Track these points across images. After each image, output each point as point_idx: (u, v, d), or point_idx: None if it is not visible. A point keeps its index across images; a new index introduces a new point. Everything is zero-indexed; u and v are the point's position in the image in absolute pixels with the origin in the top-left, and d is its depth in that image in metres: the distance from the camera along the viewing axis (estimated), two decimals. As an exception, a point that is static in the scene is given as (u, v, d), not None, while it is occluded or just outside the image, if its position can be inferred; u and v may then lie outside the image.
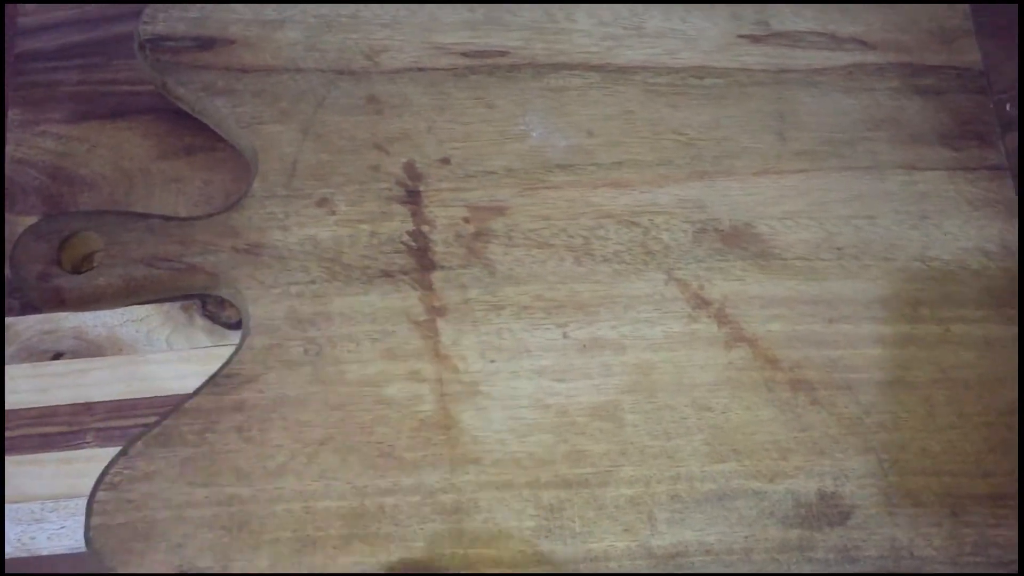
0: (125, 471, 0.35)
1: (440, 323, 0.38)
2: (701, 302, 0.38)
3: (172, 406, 0.38)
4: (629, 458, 0.36)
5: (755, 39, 0.43)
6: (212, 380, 0.37)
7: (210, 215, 0.40)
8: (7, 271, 0.40)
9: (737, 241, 0.39)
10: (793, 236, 0.39)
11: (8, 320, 0.40)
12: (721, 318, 0.38)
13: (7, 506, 0.37)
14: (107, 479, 0.35)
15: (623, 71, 0.42)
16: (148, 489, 0.35)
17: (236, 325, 0.40)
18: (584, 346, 0.38)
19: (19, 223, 0.42)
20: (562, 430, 0.36)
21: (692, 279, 0.39)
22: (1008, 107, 0.42)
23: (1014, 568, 0.35)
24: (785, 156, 0.41)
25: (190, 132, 0.43)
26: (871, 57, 0.42)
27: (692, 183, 0.40)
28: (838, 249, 0.39)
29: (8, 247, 0.41)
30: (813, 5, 0.43)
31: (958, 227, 0.40)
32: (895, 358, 0.37)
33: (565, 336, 0.38)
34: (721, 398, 0.37)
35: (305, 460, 0.36)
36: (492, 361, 0.37)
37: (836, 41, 0.43)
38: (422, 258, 0.39)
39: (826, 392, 0.37)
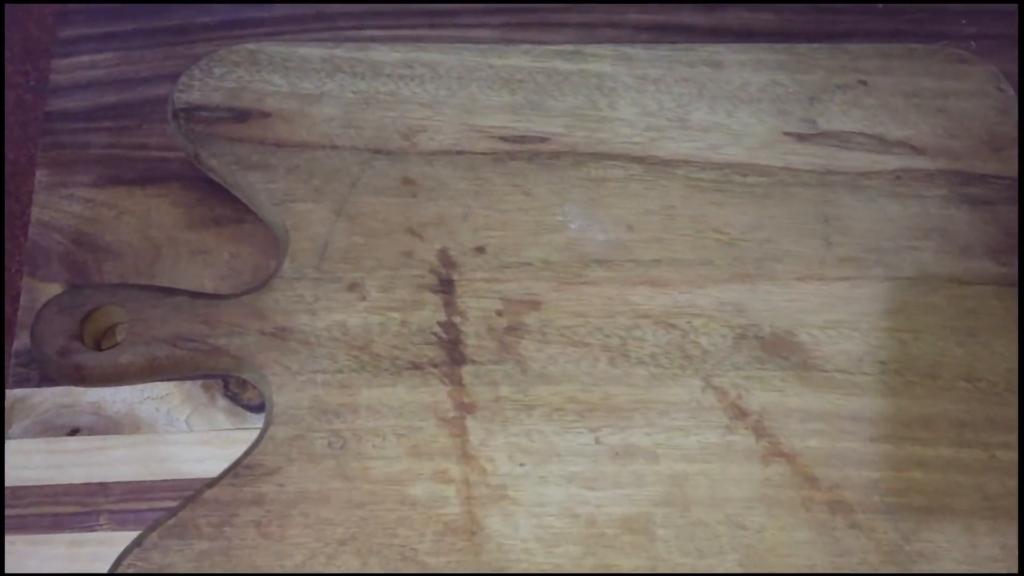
0: (139, 563, 0.34)
1: (469, 421, 0.37)
2: (739, 412, 0.37)
3: (189, 491, 0.37)
4: (659, 576, 0.35)
5: (801, 137, 0.42)
6: (232, 470, 0.36)
7: (238, 295, 0.39)
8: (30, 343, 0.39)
9: (777, 349, 0.38)
10: (835, 347, 0.38)
11: (25, 392, 0.39)
12: (759, 430, 0.37)
13: (14, 589, 0.36)
14: (120, 570, 0.34)
15: (666, 164, 0.41)
16: (162, 584, 0.34)
17: (258, 407, 0.39)
18: (616, 453, 0.36)
19: (41, 289, 0.41)
20: (591, 542, 0.35)
21: (730, 387, 0.38)
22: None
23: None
24: (829, 262, 0.40)
25: (220, 203, 0.42)
26: (920, 162, 0.41)
27: (733, 285, 0.39)
28: (881, 363, 0.38)
29: (27, 316, 0.40)
30: (862, 107, 0.42)
31: (1005, 346, 0.39)
32: (937, 483, 0.36)
33: (597, 441, 0.37)
34: (756, 516, 0.35)
35: (325, 560, 0.35)
36: (521, 464, 0.36)
37: (885, 144, 0.42)
38: (453, 351, 0.38)
39: (865, 515, 0.36)
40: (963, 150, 0.42)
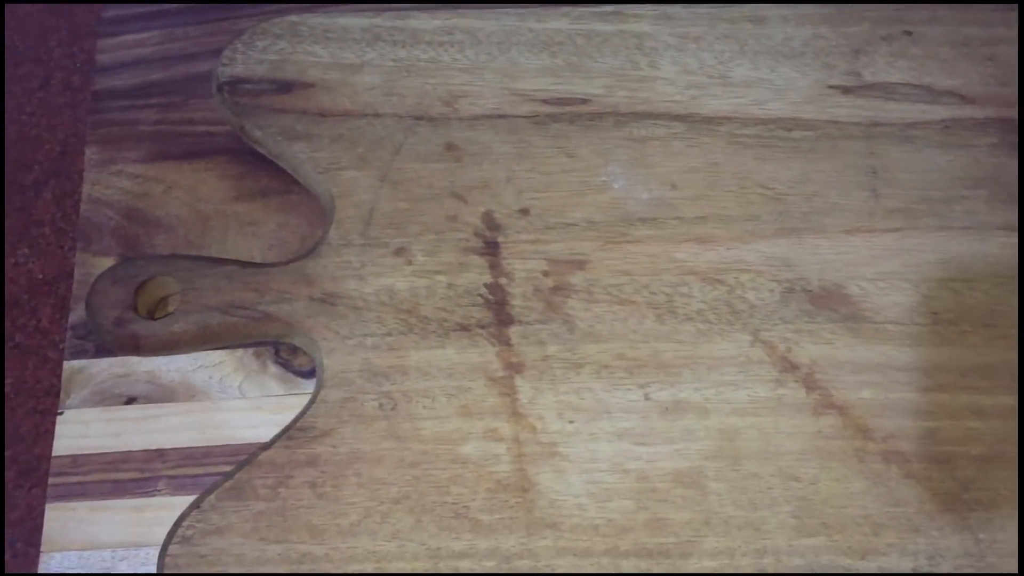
0: (198, 524, 0.35)
1: (518, 380, 0.37)
2: (788, 366, 0.37)
3: (244, 455, 0.38)
4: (713, 528, 0.34)
5: (846, 90, 0.41)
6: (286, 433, 0.36)
7: (286, 262, 0.39)
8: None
9: (826, 302, 0.38)
10: (886, 298, 0.38)
11: (82, 363, 0.40)
12: (809, 383, 0.37)
13: (79, 553, 0.37)
14: (179, 532, 0.35)
15: (708, 121, 0.41)
16: (220, 544, 0.34)
17: (308, 373, 0.40)
18: (666, 409, 0.36)
19: (94, 263, 0.41)
20: (643, 496, 0.35)
21: (779, 341, 0.37)
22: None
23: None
24: (878, 214, 0.39)
25: (266, 175, 0.43)
26: (968, 111, 0.41)
27: (780, 240, 0.39)
28: (934, 314, 0.38)
29: (82, 289, 0.41)
30: (908, 58, 0.41)
31: (1062, 293, 0.38)
32: (995, 431, 0.36)
33: (647, 398, 0.37)
34: (809, 468, 0.35)
35: (379, 519, 0.35)
36: (571, 422, 0.36)
37: (932, 94, 0.41)
38: (500, 312, 0.38)
39: (921, 465, 0.35)
40: (1013, 97, 0.41)
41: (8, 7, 0.50)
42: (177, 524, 0.35)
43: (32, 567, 0.39)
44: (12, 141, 0.47)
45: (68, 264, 0.44)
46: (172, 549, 0.35)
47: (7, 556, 0.40)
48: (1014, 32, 0.42)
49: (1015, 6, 0.43)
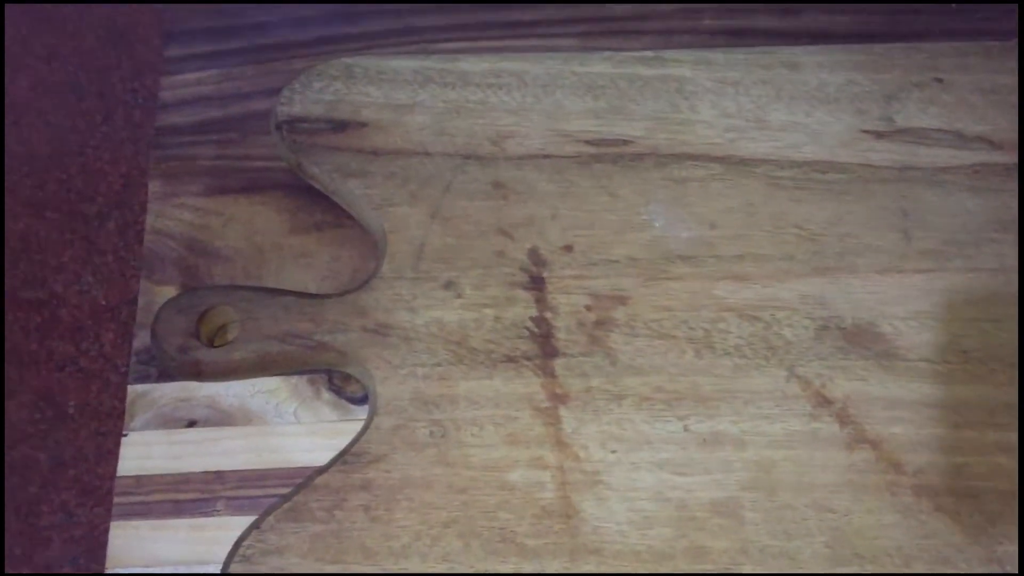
0: (257, 544, 0.37)
1: (562, 411, 0.39)
2: (823, 400, 0.38)
3: (299, 478, 0.39)
4: (749, 557, 0.36)
5: (879, 135, 0.43)
6: (341, 458, 0.38)
7: (340, 294, 0.41)
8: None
9: (860, 340, 0.39)
10: (917, 337, 0.39)
11: (144, 387, 0.42)
12: (843, 418, 0.38)
13: (142, 569, 0.39)
14: (240, 552, 0.37)
15: (746, 163, 0.43)
16: (279, 563, 0.36)
17: (360, 400, 0.42)
18: (704, 440, 0.38)
19: (157, 292, 0.44)
20: (682, 525, 0.37)
21: (814, 377, 0.39)
22: None
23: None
24: (909, 255, 0.41)
25: (320, 209, 0.45)
26: (997, 157, 0.42)
27: (814, 279, 0.40)
28: (964, 352, 0.39)
29: (146, 316, 0.43)
30: (939, 104, 0.43)
31: (1087, 334, 0.39)
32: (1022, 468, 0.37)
33: (686, 429, 0.38)
34: (843, 500, 0.37)
35: (429, 542, 0.37)
36: (613, 451, 0.38)
37: (962, 140, 0.43)
38: (545, 345, 0.40)
39: (950, 499, 0.37)
40: (1041, 144, 0.43)
41: (71, 42, 0.53)
42: (237, 544, 0.37)
43: (96, 582, 0.41)
44: (76, 173, 0.49)
45: (130, 291, 0.46)
46: (233, 567, 0.36)
47: (69, 569, 0.42)
48: (1042, 80, 0.43)
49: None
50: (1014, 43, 0.45)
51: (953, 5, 0.47)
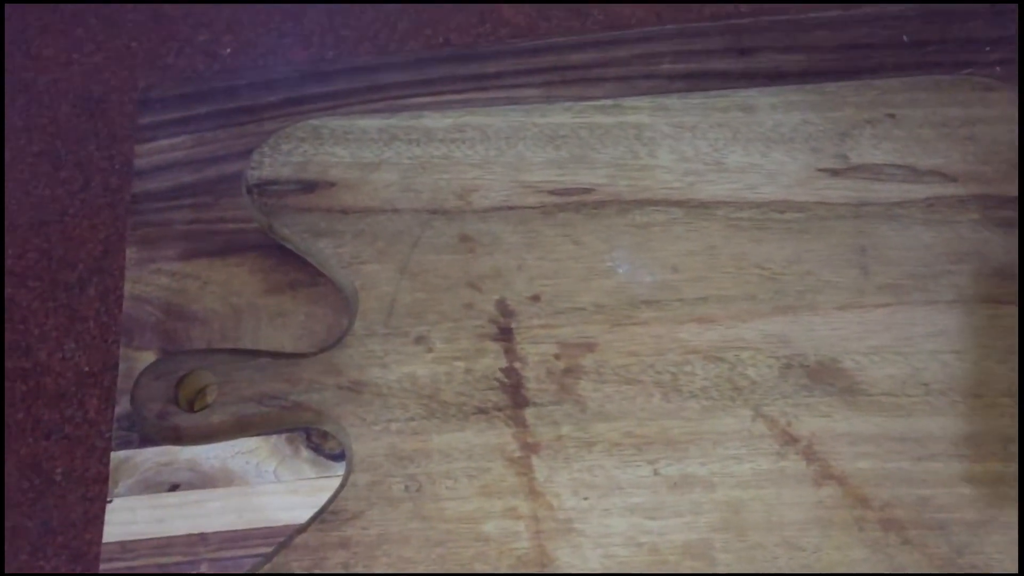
0: (239, 607, 0.37)
1: (534, 460, 0.39)
2: (789, 439, 0.39)
3: (281, 537, 0.40)
4: (722, 598, 0.37)
5: (834, 172, 0.44)
6: (319, 517, 0.39)
7: (315, 353, 0.42)
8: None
9: (823, 376, 0.40)
10: (879, 371, 0.40)
11: (128, 453, 0.43)
12: (809, 455, 0.39)
13: (128, 635, 0.39)
14: (223, 615, 0.37)
15: (705, 206, 0.44)
16: (261, 625, 0.37)
17: (339, 456, 0.42)
18: (675, 483, 0.39)
19: (137, 357, 0.44)
20: (655, 568, 0.37)
21: (780, 415, 0.39)
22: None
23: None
24: (868, 290, 0.42)
25: (294, 267, 0.46)
26: (951, 189, 0.43)
27: (776, 318, 0.41)
28: (925, 385, 0.40)
29: (126, 382, 0.43)
30: (892, 140, 0.44)
31: (1045, 361, 0.40)
32: (986, 497, 0.38)
33: (656, 473, 0.39)
34: (812, 537, 0.37)
35: (408, 597, 0.37)
36: (585, 499, 0.39)
37: (916, 174, 0.43)
38: (515, 395, 0.41)
39: (917, 532, 0.37)
40: (993, 175, 0.43)
41: (48, 112, 0.54)
42: (220, 606, 0.38)
43: (85, 647, 0.41)
44: (56, 241, 0.50)
45: (112, 356, 0.47)
46: (216, 631, 0.37)
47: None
48: (991, 112, 0.44)
49: (992, 86, 0.45)
50: (964, 76, 0.46)
51: (904, 39, 0.48)
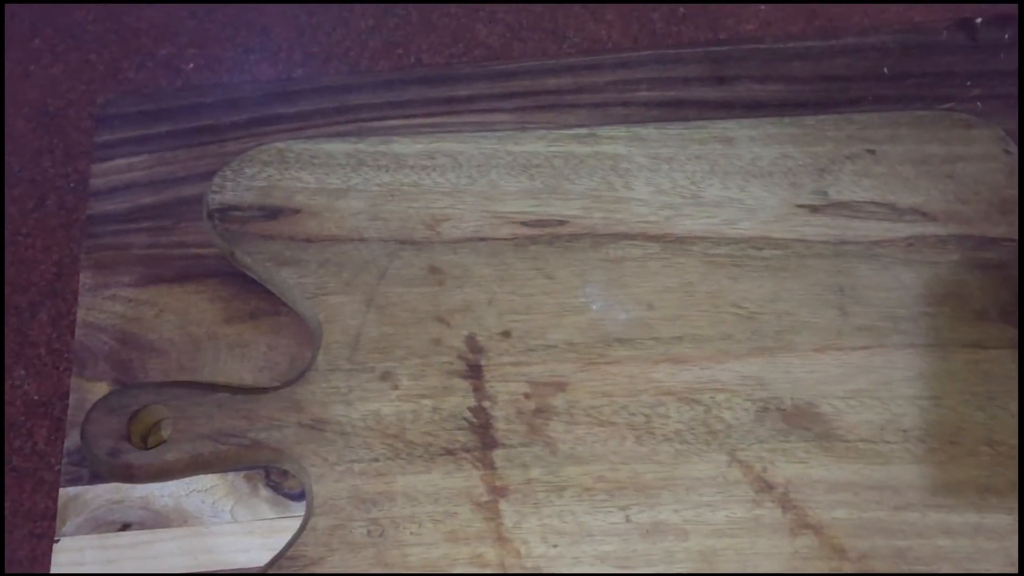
0: (191, 658, 0.36)
1: (502, 504, 0.38)
2: (765, 485, 0.38)
3: (236, 582, 0.39)
4: (694, 653, 0.35)
5: (814, 209, 0.43)
6: (276, 562, 0.37)
7: (276, 388, 0.40)
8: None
9: (800, 421, 0.39)
10: (857, 416, 0.39)
11: (77, 490, 0.41)
12: (785, 503, 0.38)
13: None
14: (174, 666, 0.36)
15: (682, 241, 0.42)
16: (214, 678, 0.35)
17: (299, 496, 0.41)
18: (647, 531, 0.37)
19: (89, 388, 0.43)
20: (625, 621, 0.36)
21: (755, 461, 0.38)
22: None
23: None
24: (846, 332, 0.41)
25: (256, 296, 0.44)
26: (931, 229, 0.42)
27: (753, 359, 0.40)
28: (903, 431, 0.39)
29: (77, 414, 0.42)
30: (872, 176, 0.43)
31: (1025, 409, 0.39)
32: (964, 549, 0.37)
33: (627, 520, 0.38)
34: (787, 590, 0.36)
35: (369, 648, 0.36)
36: (555, 546, 0.37)
37: (896, 212, 0.43)
38: (484, 436, 0.39)
39: (894, 584, 0.36)
40: (973, 214, 0.42)
41: (5, 127, 0.52)
42: (171, 657, 0.36)
43: None
44: (8, 263, 0.48)
45: (63, 385, 0.45)
46: None
47: None
48: (972, 149, 0.44)
49: (973, 123, 0.44)
50: (943, 111, 0.45)
51: (884, 71, 0.48)
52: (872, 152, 0.44)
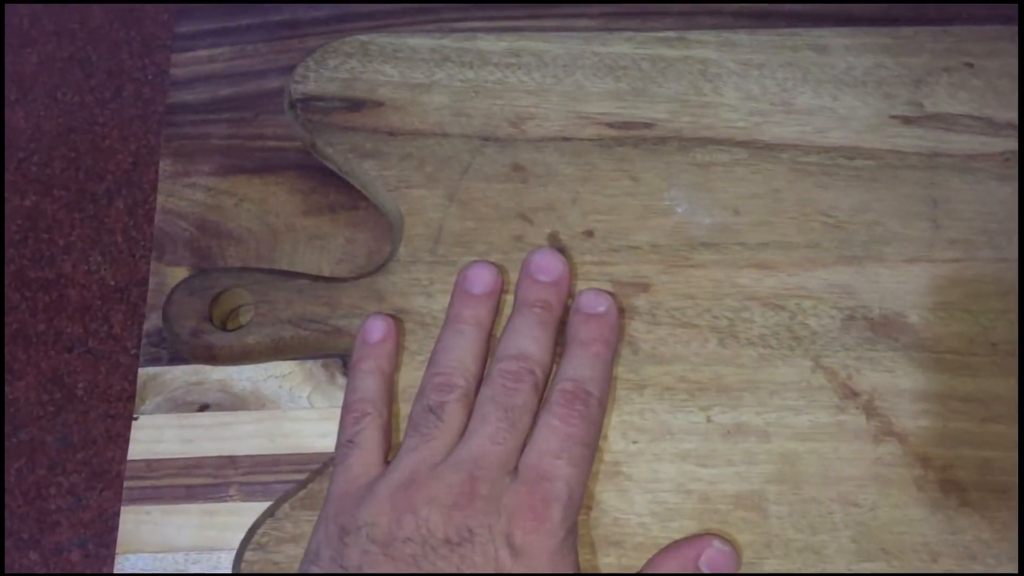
0: (272, 532, 0.36)
1: (582, 399, 0.38)
2: (849, 392, 0.38)
3: (312, 464, 0.39)
4: (773, 551, 0.35)
5: (908, 120, 0.42)
6: (356, 445, 0.37)
7: (356, 277, 0.40)
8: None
9: (887, 331, 0.39)
10: (945, 328, 0.39)
11: (156, 370, 0.41)
12: (870, 410, 0.37)
13: (152, 555, 0.38)
14: (255, 539, 0.36)
15: (771, 148, 0.42)
16: (294, 552, 0.36)
17: (375, 386, 0.41)
18: (728, 432, 0.37)
19: (168, 273, 0.43)
20: (704, 517, 0.36)
21: (840, 368, 0.38)
22: None
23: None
24: (938, 244, 0.40)
25: (334, 190, 0.44)
26: (1029, 144, 0.41)
27: (841, 268, 0.40)
28: (992, 345, 0.38)
29: (156, 298, 0.42)
30: (969, 90, 0.42)
31: (1119, 327, 0.39)
32: (1052, 463, 0.36)
33: (708, 420, 0.37)
34: (869, 494, 0.36)
35: (446, 532, 0.36)
36: (634, 442, 0.37)
37: (992, 126, 0.42)
38: (563, 332, 0.39)
39: (978, 494, 0.36)
40: (1073, 131, 0.42)
41: (79, 17, 0.52)
42: (251, 531, 0.37)
43: (104, 567, 0.40)
44: (85, 151, 0.48)
45: (139, 272, 0.45)
46: (248, 556, 0.36)
47: (78, 556, 0.41)
48: (1075, 66, 0.42)
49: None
50: (1045, 28, 0.44)
51: (981, -11, 0.46)
52: (970, 65, 0.43)
